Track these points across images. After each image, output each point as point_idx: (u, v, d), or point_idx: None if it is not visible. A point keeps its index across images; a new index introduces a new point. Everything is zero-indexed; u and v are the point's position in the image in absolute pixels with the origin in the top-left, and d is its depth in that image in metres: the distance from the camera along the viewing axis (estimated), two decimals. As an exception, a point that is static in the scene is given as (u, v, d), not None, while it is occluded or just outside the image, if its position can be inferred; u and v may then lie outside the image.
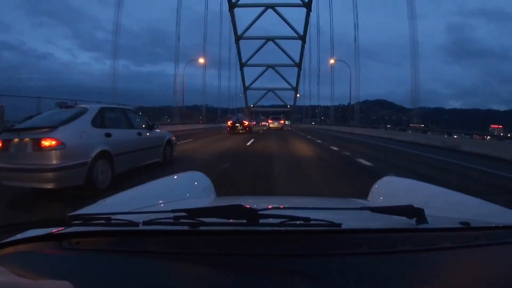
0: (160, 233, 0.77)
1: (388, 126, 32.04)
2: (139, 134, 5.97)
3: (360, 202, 1.45)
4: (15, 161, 4.02)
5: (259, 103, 77.39)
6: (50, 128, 4.10)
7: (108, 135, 4.89)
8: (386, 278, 0.63)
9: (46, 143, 3.92)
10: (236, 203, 0.78)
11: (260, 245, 0.73)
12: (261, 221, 0.74)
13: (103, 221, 0.76)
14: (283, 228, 0.74)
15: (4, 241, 0.79)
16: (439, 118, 76.34)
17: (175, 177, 1.79)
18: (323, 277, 0.62)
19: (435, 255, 0.72)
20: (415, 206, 0.83)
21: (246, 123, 22.82)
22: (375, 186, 1.61)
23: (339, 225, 0.74)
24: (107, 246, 0.75)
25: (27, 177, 3.95)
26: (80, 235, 0.78)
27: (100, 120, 4.95)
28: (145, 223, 0.75)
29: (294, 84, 68.70)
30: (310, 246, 0.73)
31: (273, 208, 0.92)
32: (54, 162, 3.92)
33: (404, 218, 0.83)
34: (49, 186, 3.93)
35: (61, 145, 3.98)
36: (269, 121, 35.42)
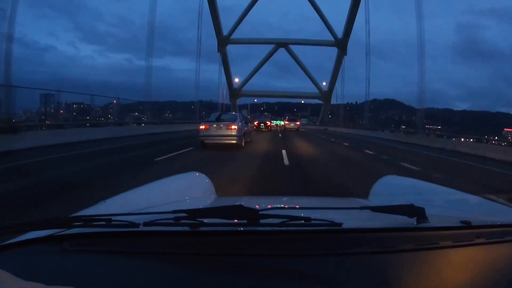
0: (160, 234, 0.77)
1: (403, 127, 31.12)
2: (246, 125, 13.71)
3: (361, 201, 1.44)
4: (214, 133, 11.09)
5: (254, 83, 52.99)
6: (232, 122, 11.42)
7: (243, 125, 12.35)
8: (387, 277, 0.63)
9: (233, 127, 11.18)
10: (236, 204, 0.78)
11: (261, 245, 0.73)
12: (261, 221, 0.74)
13: (104, 223, 0.76)
14: (283, 228, 0.74)
15: (5, 243, 0.78)
16: (450, 120, 74.85)
17: (176, 177, 1.78)
18: (324, 277, 0.62)
19: (436, 254, 0.73)
20: (416, 205, 0.83)
21: (268, 123, 31.15)
22: (376, 185, 1.58)
23: (340, 224, 0.74)
24: (108, 247, 0.74)
25: (223, 139, 11.05)
26: (81, 236, 0.78)
27: (241, 119, 12.78)
28: (146, 224, 0.75)
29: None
30: (311, 246, 0.73)
31: (274, 208, 0.90)
32: (235, 134, 11.16)
33: (405, 217, 0.83)
34: (233, 142, 11.16)
35: (237, 128, 11.22)
36: (286, 122, 38.58)
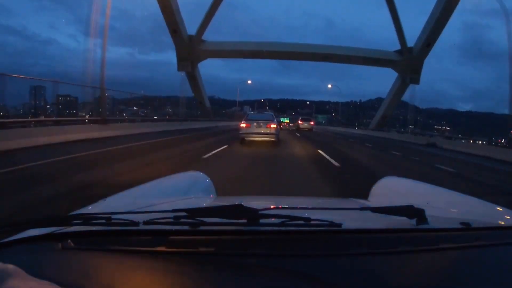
0: (160, 233, 0.77)
1: (411, 127, 30.32)
2: (277, 124, 13.79)
3: (361, 202, 1.44)
4: (255, 131, 12.25)
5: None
6: (271, 120, 12.67)
7: (278, 125, 13.82)
8: (386, 278, 0.63)
9: (272, 125, 12.38)
10: (236, 203, 0.78)
11: (261, 245, 0.73)
12: (261, 221, 0.74)
13: (104, 221, 0.76)
14: (283, 228, 0.74)
15: (4, 240, 0.78)
16: (455, 121, 73.86)
17: (176, 176, 1.76)
18: (323, 277, 0.62)
19: (435, 256, 0.73)
20: (416, 206, 0.84)
21: (282, 122, 34.70)
22: (376, 186, 1.58)
23: (340, 225, 0.74)
24: (108, 246, 0.74)
25: (262, 136, 12.30)
26: (81, 234, 0.78)
27: (275, 118, 13.80)
28: (146, 222, 0.75)
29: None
30: (311, 246, 0.73)
31: (274, 208, 0.91)
32: (274, 132, 12.35)
33: (405, 218, 0.83)
34: (272, 140, 12.31)
35: (275, 126, 12.50)
36: (300, 122, 33.99)
